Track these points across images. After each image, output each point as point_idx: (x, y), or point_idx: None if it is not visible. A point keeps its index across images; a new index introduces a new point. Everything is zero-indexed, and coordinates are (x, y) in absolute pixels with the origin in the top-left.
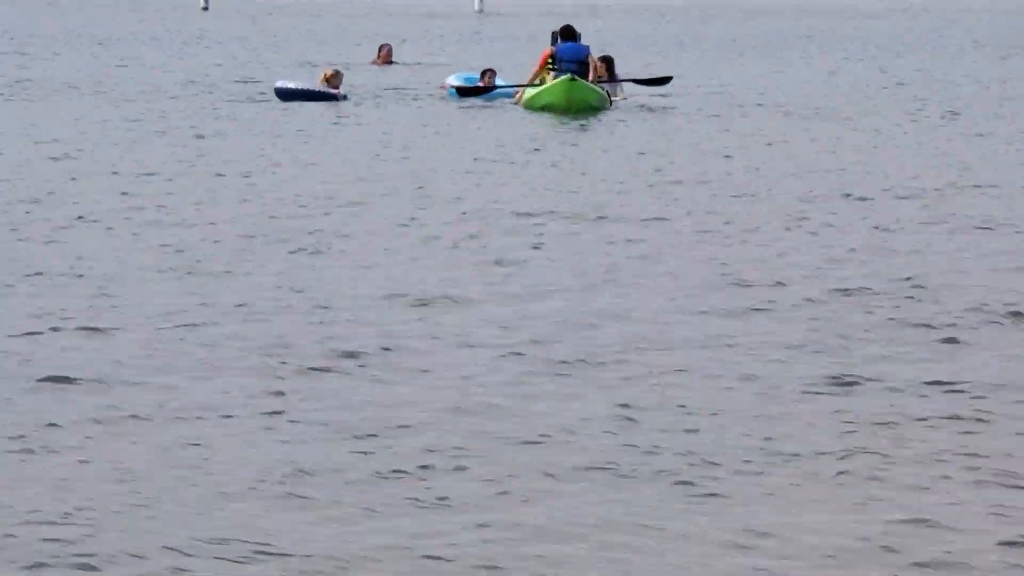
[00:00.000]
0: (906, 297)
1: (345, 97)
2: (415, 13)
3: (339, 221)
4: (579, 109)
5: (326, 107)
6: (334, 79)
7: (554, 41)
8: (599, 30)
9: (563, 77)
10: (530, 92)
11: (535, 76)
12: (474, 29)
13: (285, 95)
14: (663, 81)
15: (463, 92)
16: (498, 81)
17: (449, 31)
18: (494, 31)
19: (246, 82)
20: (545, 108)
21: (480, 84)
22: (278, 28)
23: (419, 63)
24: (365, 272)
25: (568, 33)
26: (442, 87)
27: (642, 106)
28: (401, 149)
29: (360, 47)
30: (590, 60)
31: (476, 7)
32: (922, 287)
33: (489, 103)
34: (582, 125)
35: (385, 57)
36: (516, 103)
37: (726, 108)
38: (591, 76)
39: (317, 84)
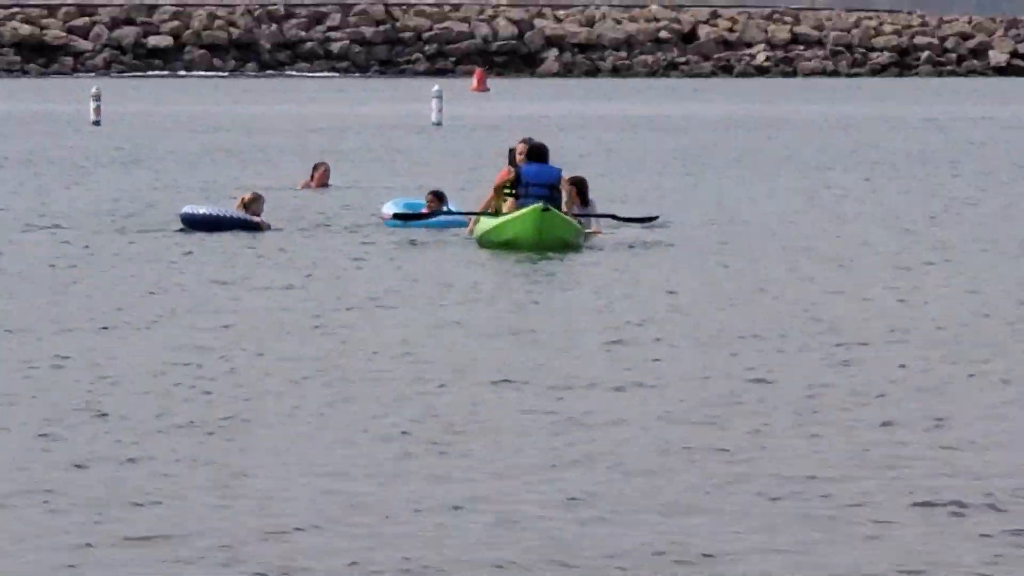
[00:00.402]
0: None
1: (268, 226)
2: (361, 126)
3: (252, 406)
4: (550, 246)
5: (243, 238)
6: (254, 204)
7: (512, 160)
8: (577, 148)
9: (533, 206)
10: (486, 223)
11: (489, 203)
12: (430, 144)
13: (194, 223)
14: (648, 220)
15: (403, 218)
16: (449, 206)
17: (402, 146)
18: (453, 146)
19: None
20: (508, 244)
21: (424, 211)
22: (187, 145)
23: (360, 185)
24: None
25: (537, 153)
26: (379, 216)
27: (625, 245)
28: (328, 297)
29: (295, 167)
30: (563, 185)
31: (433, 119)
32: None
33: (437, 233)
34: (549, 271)
35: (320, 179)
36: (470, 235)
37: (729, 247)
38: (563, 206)
39: (233, 210)
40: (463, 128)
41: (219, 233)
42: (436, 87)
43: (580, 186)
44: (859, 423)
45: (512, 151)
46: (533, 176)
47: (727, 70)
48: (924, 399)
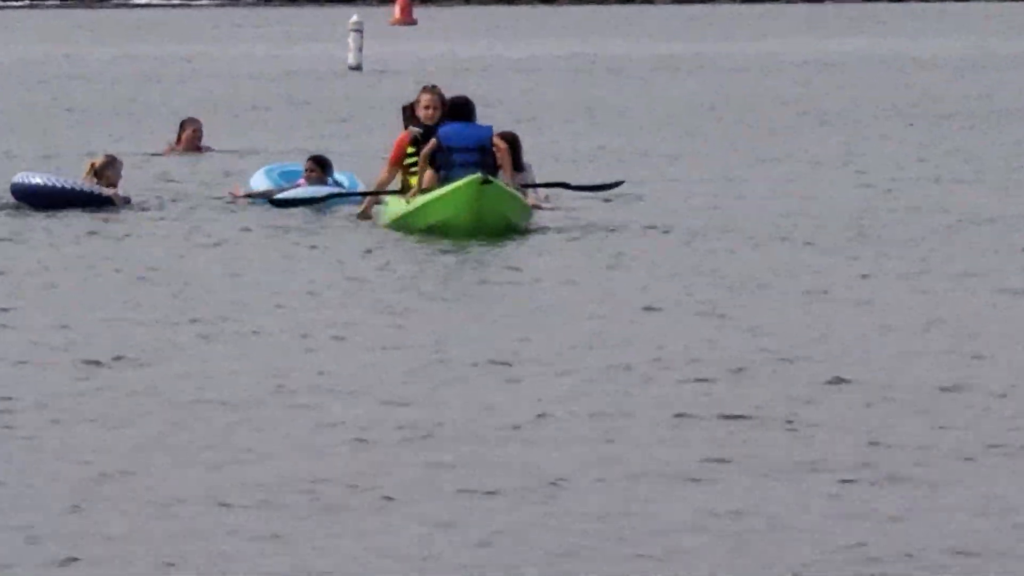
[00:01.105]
0: None
1: (127, 200)
2: (254, 70)
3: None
4: (491, 228)
5: (91, 217)
6: (107, 170)
7: (408, 119)
8: (524, 92)
9: (469, 178)
10: (397, 204)
11: (389, 178)
12: (343, 93)
13: (27, 194)
14: (609, 187)
15: (280, 204)
16: (338, 177)
17: (309, 96)
18: (376, 96)
19: None
20: (437, 228)
21: (300, 184)
22: (14, 99)
23: (237, 151)
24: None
25: (460, 108)
26: (234, 193)
27: (580, 224)
28: (193, 299)
29: (160, 125)
30: (498, 145)
31: (351, 61)
32: None
33: (321, 214)
34: (486, 261)
35: (189, 140)
36: (363, 215)
37: (703, 224)
38: (502, 175)
39: (80, 179)
40: (388, 73)
41: (61, 210)
42: (355, 18)
43: (512, 145)
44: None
45: (408, 108)
46: (456, 137)
47: None
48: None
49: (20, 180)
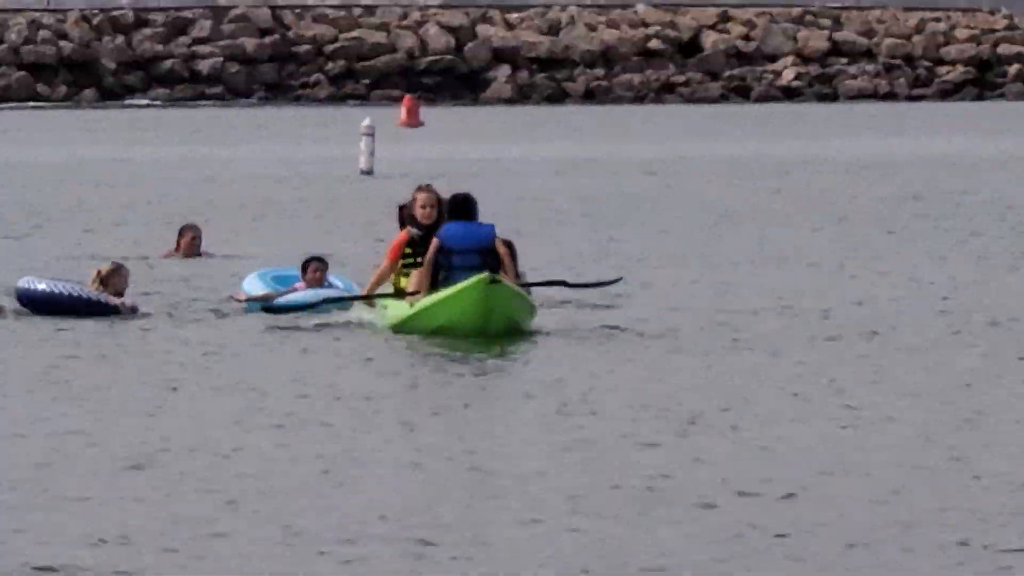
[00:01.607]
0: None
1: (134, 309)
2: (273, 175)
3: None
4: (498, 329)
5: (96, 325)
6: (114, 279)
7: (405, 219)
8: (536, 192)
9: (477, 277)
10: (397, 306)
11: (382, 278)
12: (354, 197)
13: (33, 301)
14: (607, 284)
15: (270, 310)
16: (332, 280)
17: (320, 201)
18: (380, 202)
19: None
20: (443, 330)
21: (298, 287)
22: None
23: (236, 255)
24: None
25: (462, 206)
26: (236, 297)
27: (579, 324)
28: (192, 414)
29: (156, 231)
30: (499, 248)
31: (363, 166)
32: None
33: (320, 316)
34: (490, 366)
35: (188, 246)
36: (358, 315)
37: (709, 328)
38: (504, 275)
39: (86, 288)
40: (400, 177)
41: (66, 317)
42: (367, 121)
43: (510, 250)
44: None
45: (404, 208)
46: (458, 238)
47: (742, 93)
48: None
49: (25, 286)
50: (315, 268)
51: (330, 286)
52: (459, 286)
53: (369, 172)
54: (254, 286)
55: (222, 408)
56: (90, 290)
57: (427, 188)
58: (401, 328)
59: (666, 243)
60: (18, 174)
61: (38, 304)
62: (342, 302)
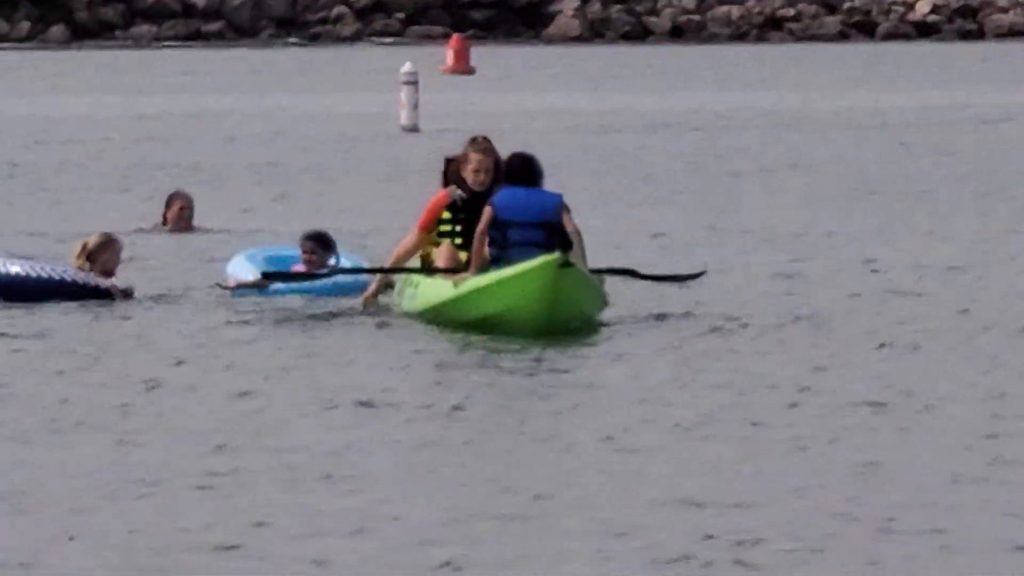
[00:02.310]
0: None
1: (128, 293)
2: (288, 135)
3: None
4: (564, 320)
5: (81, 310)
6: (102, 253)
7: (450, 177)
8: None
9: (543, 259)
10: (435, 285)
11: (416, 247)
12: (391, 156)
13: (3, 288)
14: (688, 278)
15: (273, 277)
16: (345, 262)
17: (345, 164)
18: (419, 162)
19: None
20: (494, 319)
21: (300, 268)
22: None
23: (234, 229)
24: None
25: (522, 168)
26: (223, 285)
27: (652, 318)
28: (188, 422)
29: (141, 199)
30: (566, 223)
31: (404, 122)
32: None
33: (317, 301)
34: (547, 362)
35: (176, 217)
36: (370, 298)
37: (808, 321)
38: (575, 256)
39: (67, 266)
40: (454, 134)
41: (46, 303)
42: (407, 66)
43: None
44: None
45: (452, 162)
46: (517, 209)
47: (865, 29)
48: None
49: None
50: (310, 249)
51: (339, 268)
52: (522, 267)
53: (413, 128)
54: (242, 269)
55: (210, 417)
56: (73, 270)
57: (483, 143)
58: (437, 314)
59: (771, 216)
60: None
61: (10, 290)
62: (357, 274)
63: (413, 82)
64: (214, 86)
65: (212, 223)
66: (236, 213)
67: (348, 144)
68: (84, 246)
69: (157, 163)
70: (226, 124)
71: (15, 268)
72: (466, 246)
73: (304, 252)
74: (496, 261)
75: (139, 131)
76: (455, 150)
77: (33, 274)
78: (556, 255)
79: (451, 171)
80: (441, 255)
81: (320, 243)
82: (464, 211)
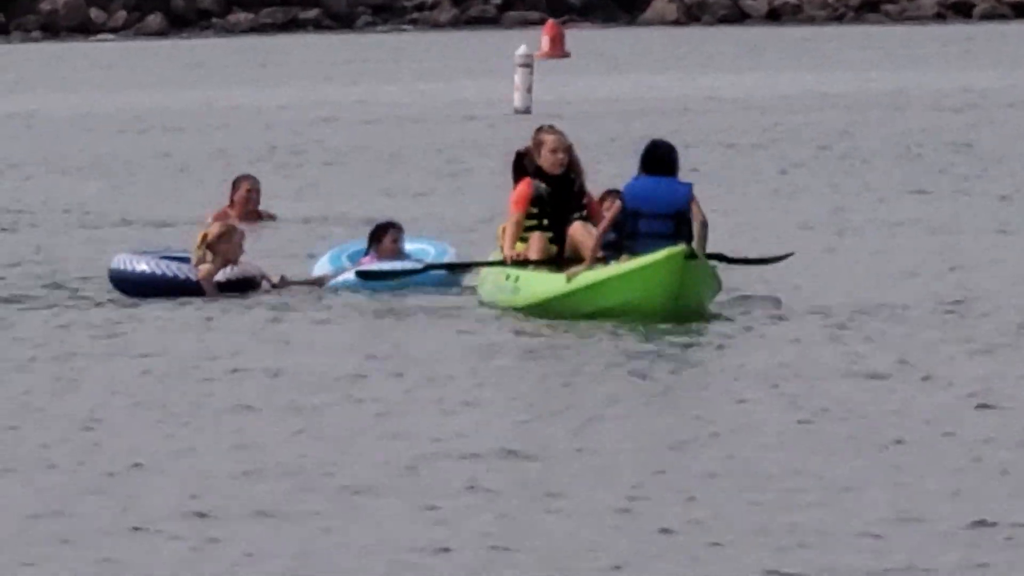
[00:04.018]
0: None
1: (276, 284)
2: (426, 118)
3: None
4: (687, 312)
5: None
6: (222, 244)
7: (521, 168)
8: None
9: (670, 250)
10: (537, 280)
11: (513, 238)
12: (503, 138)
13: (131, 283)
14: (773, 261)
15: (368, 276)
16: (422, 247)
17: (464, 142)
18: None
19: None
20: (615, 311)
21: (366, 262)
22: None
23: (306, 217)
24: None
25: (661, 157)
26: (273, 282)
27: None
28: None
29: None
30: (695, 213)
31: (517, 104)
32: None
33: (403, 296)
34: (671, 353)
35: (242, 201)
36: (480, 295)
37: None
38: (697, 245)
39: (189, 263)
40: (566, 119)
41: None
42: (523, 49)
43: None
44: None
45: (524, 156)
46: (650, 199)
47: (963, 11)
48: None
49: (122, 264)
50: (393, 237)
51: (408, 258)
52: (648, 260)
53: (526, 111)
54: (332, 266)
55: (278, 424)
56: (190, 267)
57: (553, 129)
58: (547, 308)
59: (870, 204)
60: (60, 122)
61: (135, 284)
62: (456, 270)
63: (528, 64)
64: (313, 73)
65: (294, 211)
66: (347, 197)
67: (455, 126)
68: (204, 237)
69: (248, 151)
70: (326, 110)
71: (142, 264)
72: (555, 239)
73: (387, 239)
74: (623, 251)
75: (238, 118)
76: (569, 131)
77: (159, 270)
78: (682, 247)
79: (527, 163)
80: (533, 248)
81: (397, 228)
82: (549, 202)
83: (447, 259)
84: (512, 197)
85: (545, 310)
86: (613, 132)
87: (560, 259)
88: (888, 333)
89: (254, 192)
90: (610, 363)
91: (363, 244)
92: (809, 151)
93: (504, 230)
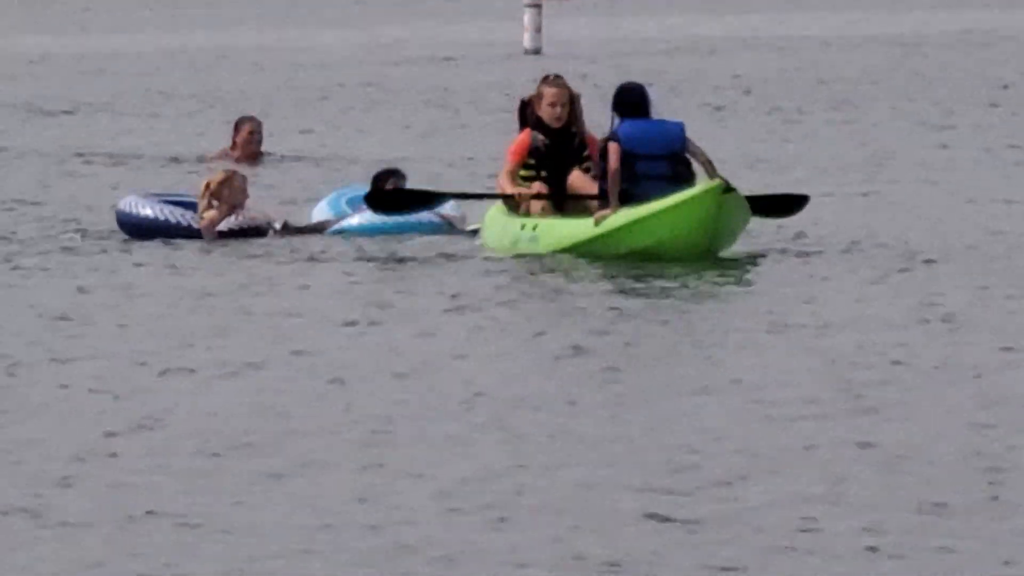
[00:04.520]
0: None
1: (281, 228)
2: (431, 56)
3: None
4: (721, 248)
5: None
6: (224, 190)
7: (525, 118)
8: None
9: (709, 185)
10: (560, 226)
11: (508, 187)
12: (511, 79)
13: (136, 227)
14: (788, 206)
15: (376, 202)
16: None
17: (470, 83)
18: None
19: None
20: (647, 250)
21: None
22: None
23: (306, 157)
24: None
25: (635, 99)
26: (318, 226)
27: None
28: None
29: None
30: (695, 152)
31: (527, 44)
32: None
33: (412, 240)
34: (710, 293)
35: (245, 143)
36: (478, 240)
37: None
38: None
39: (194, 209)
40: (577, 59)
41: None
42: None
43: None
44: None
45: (528, 105)
46: (643, 140)
47: None
48: None
49: (128, 206)
50: (394, 184)
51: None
52: (686, 196)
53: (536, 51)
54: (323, 214)
55: (277, 381)
56: (194, 215)
57: (557, 80)
58: (574, 252)
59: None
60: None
61: (142, 228)
62: (472, 199)
63: (537, 5)
64: (324, 19)
65: (299, 151)
66: (349, 138)
67: (466, 65)
68: (207, 186)
69: (253, 91)
70: (341, 52)
71: (147, 209)
72: (554, 193)
73: (389, 186)
74: (626, 196)
75: (253, 60)
76: (578, 71)
77: (162, 215)
78: (719, 180)
79: (528, 113)
80: (536, 201)
81: (400, 178)
82: (547, 155)
83: (447, 208)
84: (510, 147)
85: (574, 253)
86: (623, 73)
87: (561, 211)
88: (927, 277)
89: (256, 134)
90: (629, 307)
91: (361, 189)
92: (838, 92)
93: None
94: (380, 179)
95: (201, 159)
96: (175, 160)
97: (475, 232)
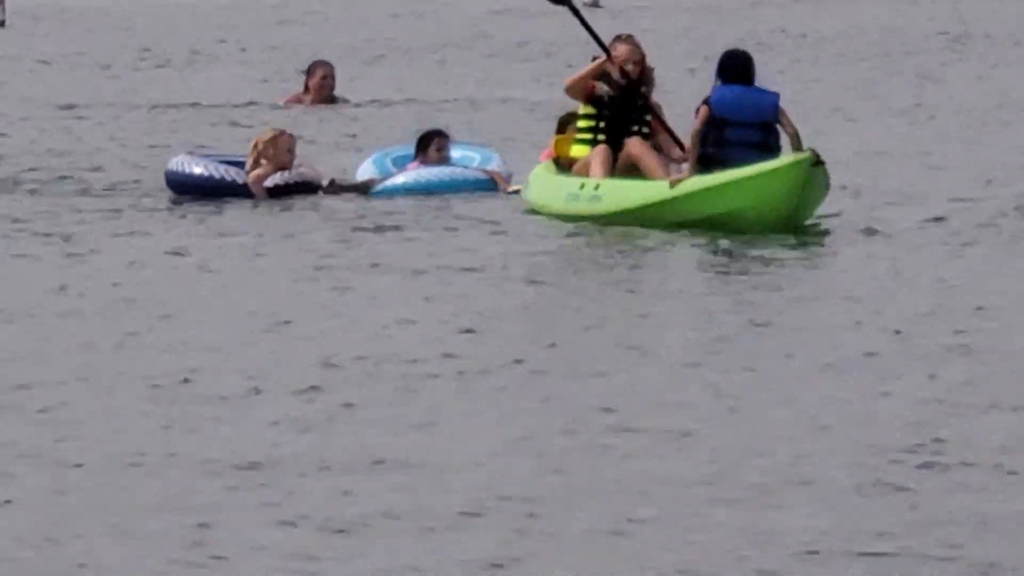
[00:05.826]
0: None
1: (328, 185)
2: (488, 8)
3: None
4: (802, 221)
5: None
6: (271, 149)
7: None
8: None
9: (799, 157)
10: (624, 187)
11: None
12: (569, 34)
13: (185, 185)
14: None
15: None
16: (468, 153)
17: (528, 38)
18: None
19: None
20: (724, 219)
21: (411, 168)
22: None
23: (376, 100)
24: None
25: (739, 67)
26: (363, 185)
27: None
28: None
29: (282, 72)
30: (786, 124)
31: None
32: None
33: (454, 202)
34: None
35: (319, 88)
36: (521, 198)
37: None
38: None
39: (244, 166)
40: (639, 10)
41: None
42: None
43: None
44: None
45: (565, 125)
46: (737, 107)
47: None
48: None
49: (179, 166)
50: (438, 145)
51: (453, 166)
52: (773, 164)
53: (594, 5)
54: (367, 174)
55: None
56: (250, 161)
57: (629, 39)
58: (641, 217)
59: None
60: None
61: (193, 186)
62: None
63: None
64: None
65: (362, 95)
66: (405, 89)
67: (540, 17)
68: (255, 145)
69: (339, 44)
70: (379, 4)
71: (198, 167)
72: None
73: (432, 148)
74: (711, 160)
75: (279, 14)
76: (629, 25)
77: (211, 172)
78: (808, 153)
79: (566, 132)
80: (598, 159)
81: (444, 138)
82: (609, 106)
83: (493, 165)
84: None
85: (636, 219)
86: (676, 29)
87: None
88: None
89: (329, 78)
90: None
91: (407, 149)
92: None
93: (556, 143)
94: (425, 139)
95: (275, 105)
96: (252, 104)
97: (517, 192)
